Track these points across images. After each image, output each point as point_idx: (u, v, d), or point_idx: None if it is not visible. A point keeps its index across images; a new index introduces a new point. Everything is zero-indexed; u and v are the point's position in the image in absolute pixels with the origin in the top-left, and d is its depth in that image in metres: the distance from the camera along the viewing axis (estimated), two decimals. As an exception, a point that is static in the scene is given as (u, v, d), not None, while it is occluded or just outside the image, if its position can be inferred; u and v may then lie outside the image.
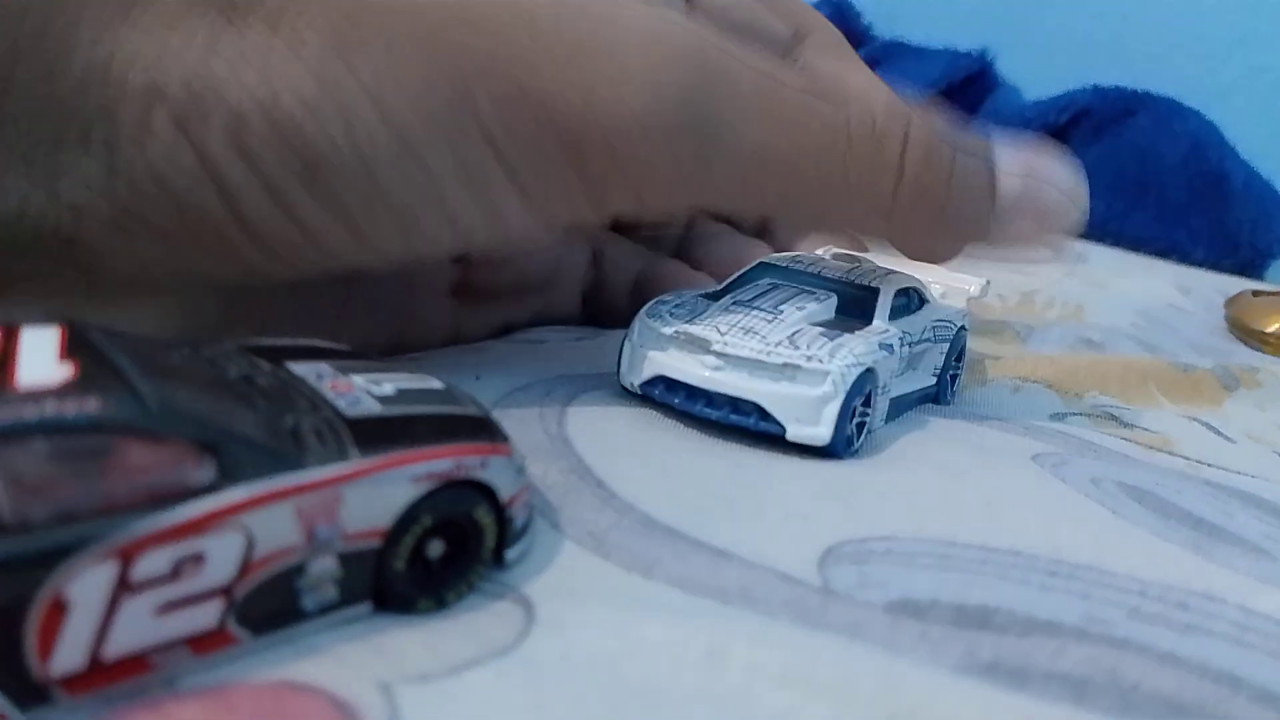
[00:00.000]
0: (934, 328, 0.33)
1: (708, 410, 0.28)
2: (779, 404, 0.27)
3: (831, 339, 0.28)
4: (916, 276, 0.34)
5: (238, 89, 0.23)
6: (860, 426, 0.29)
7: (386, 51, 0.24)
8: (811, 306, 0.30)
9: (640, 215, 0.27)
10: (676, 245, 0.39)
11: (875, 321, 0.31)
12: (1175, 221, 0.79)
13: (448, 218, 0.25)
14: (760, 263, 0.33)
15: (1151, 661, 0.21)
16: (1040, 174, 0.30)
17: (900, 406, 0.32)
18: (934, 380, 0.34)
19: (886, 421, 0.31)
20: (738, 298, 0.31)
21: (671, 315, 0.30)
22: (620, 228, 0.39)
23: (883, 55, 0.90)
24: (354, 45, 0.23)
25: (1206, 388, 0.42)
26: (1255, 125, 0.87)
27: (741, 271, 0.33)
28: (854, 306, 0.31)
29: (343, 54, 0.23)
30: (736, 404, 0.28)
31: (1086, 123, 0.82)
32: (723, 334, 0.28)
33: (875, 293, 0.32)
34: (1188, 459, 0.34)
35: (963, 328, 0.35)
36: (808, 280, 0.32)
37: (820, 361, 0.27)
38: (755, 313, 0.29)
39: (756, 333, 0.28)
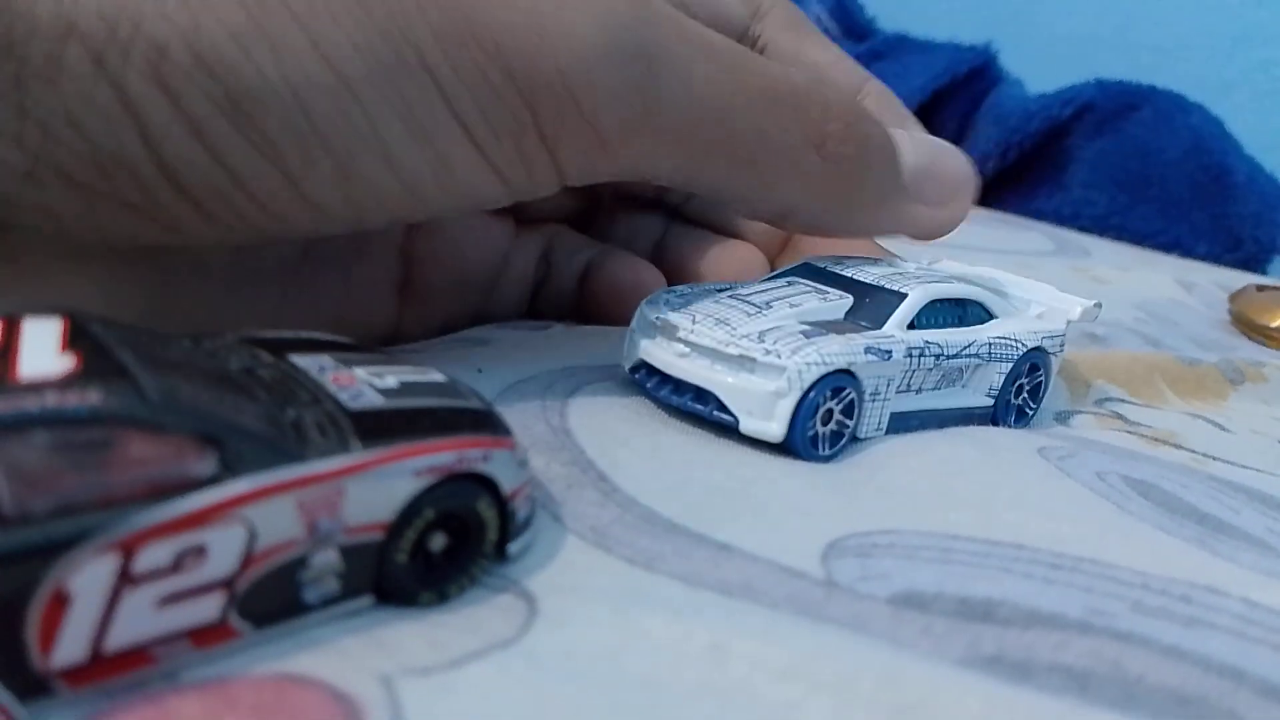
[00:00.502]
0: (991, 345, 0.31)
1: (673, 396, 0.28)
2: (733, 396, 0.27)
3: (809, 337, 0.28)
4: (1007, 290, 0.33)
5: (157, 17, 0.21)
6: (838, 431, 0.28)
7: None
8: (812, 304, 0.30)
9: (591, 174, 0.26)
10: (653, 248, 0.38)
11: (886, 326, 0.29)
12: (1178, 216, 0.79)
13: (391, 165, 0.24)
14: (805, 261, 0.33)
15: (1155, 655, 0.21)
16: (936, 150, 0.32)
17: (925, 421, 0.31)
18: (990, 401, 0.32)
19: (892, 432, 0.30)
20: (737, 291, 0.30)
21: (665, 304, 0.29)
22: (577, 222, 0.38)
23: (886, 49, 0.90)
24: None
25: (1211, 382, 0.42)
26: (1259, 120, 0.87)
27: (782, 269, 0.33)
28: (872, 309, 0.30)
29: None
30: (699, 392, 0.28)
31: (1090, 117, 0.81)
32: (694, 323, 0.28)
33: (901, 298, 0.30)
34: (1193, 452, 0.34)
35: (1037, 349, 0.33)
36: (834, 280, 0.31)
37: (778, 356, 0.27)
38: (741, 305, 0.29)
39: (728, 324, 0.28)
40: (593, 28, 0.24)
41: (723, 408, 0.27)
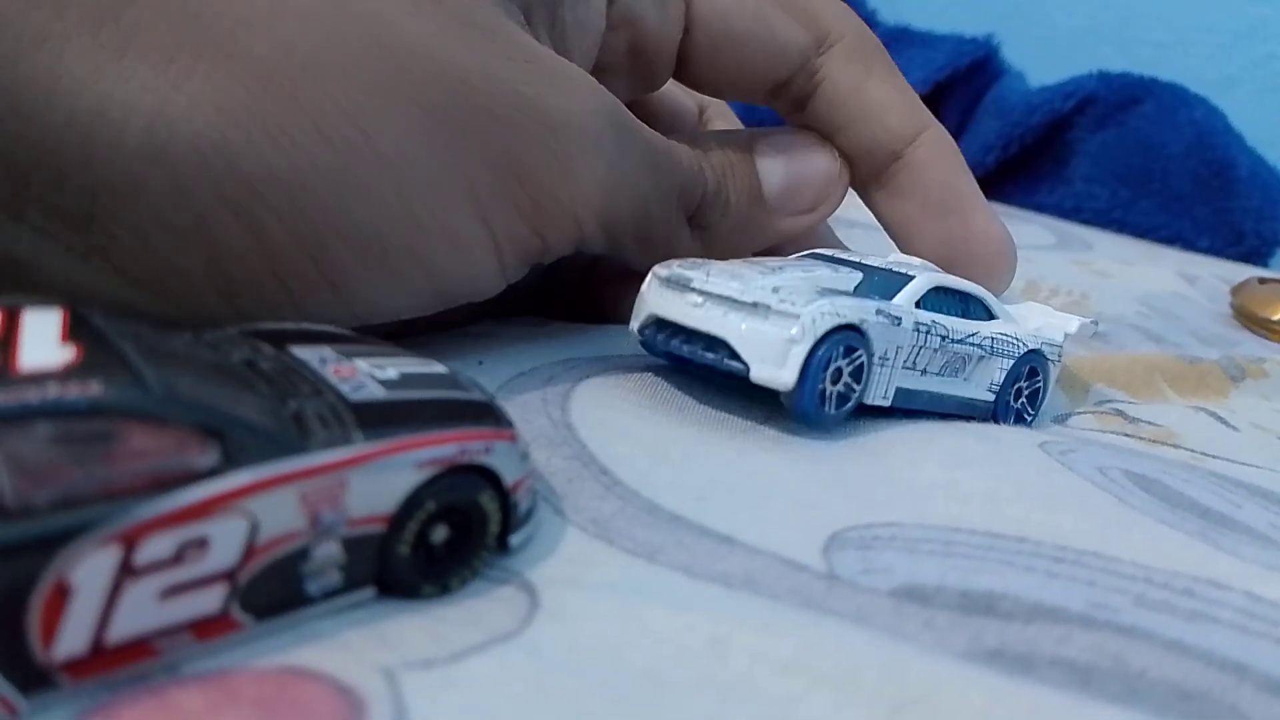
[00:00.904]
0: (993, 339, 0.32)
1: (683, 347, 0.28)
2: (746, 342, 0.27)
3: (821, 294, 0.28)
4: (1006, 307, 0.34)
5: (254, 160, 0.22)
6: (845, 393, 0.28)
7: (403, 122, 0.24)
8: (823, 273, 0.30)
9: (567, 253, 0.29)
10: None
11: (895, 299, 0.30)
12: (1180, 210, 0.79)
13: (431, 279, 0.26)
14: (812, 251, 0.33)
15: (1157, 649, 0.21)
16: (799, 161, 0.34)
17: (926, 403, 0.31)
18: (991, 396, 0.32)
19: (901, 409, 0.30)
20: (752, 260, 0.31)
21: (679, 265, 0.29)
22: None
23: (888, 42, 0.89)
24: (370, 116, 0.24)
25: (1213, 379, 0.42)
26: (1261, 114, 0.87)
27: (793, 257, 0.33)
28: (880, 286, 0.30)
29: (360, 126, 0.23)
30: (710, 342, 0.28)
31: (1092, 110, 0.81)
32: (708, 276, 0.28)
33: (908, 279, 0.31)
34: (1192, 452, 0.34)
35: (1036, 351, 0.33)
36: (843, 263, 0.31)
37: (792, 304, 0.27)
38: (754, 266, 0.29)
39: (742, 277, 0.28)
40: (598, 162, 0.27)
41: (734, 355, 0.27)
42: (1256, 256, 0.78)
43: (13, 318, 0.17)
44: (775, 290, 0.27)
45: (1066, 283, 0.57)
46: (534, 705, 0.17)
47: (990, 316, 0.33)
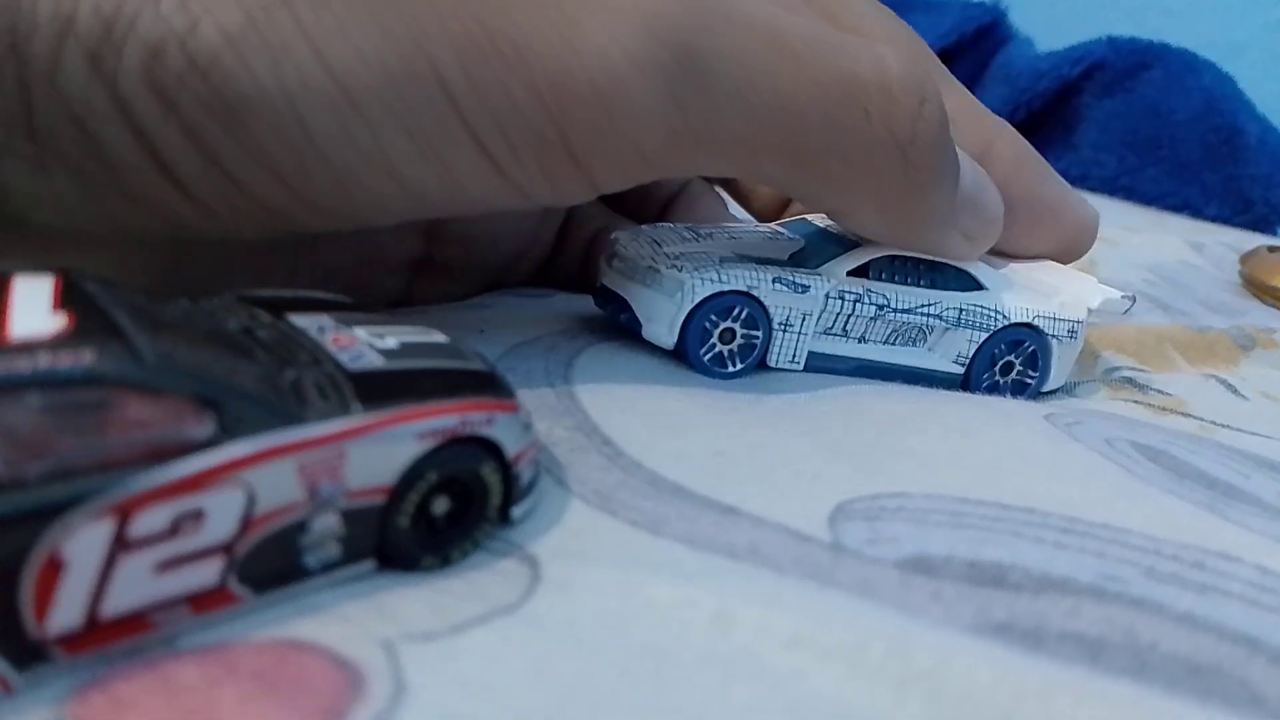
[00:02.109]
0: (961, 310, 0.31)
1: (608, 308, 0.30)
2: (639, 303, 0.29)
3: (721, 262, 0.29)
4: (1033, 274, 0.33)
5: (153, 18, 0.20)
6: (741, 350, 0.29)
7: None
8: (754, 241, 0.31)
9: (629, 183, 0.25)
10: (664, 205, 0.37)
11: (821, 267, 0.30)
12: (1188, 178, 0.79)
13: (394, 177, 0.23)
14: (802, 216, 0.33)
15: (1168, 622, 0.21)
16: (982, 182, 0.30)
17: (850, 367, 0.31)
18: (957, 368, 0.32)
19: (810, 368, 0.30)
20: (699, 226, 0.32)
21: (631, 234, 0.31)
22: None
23: (894, 7, 0.89)
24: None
25: (1222, 349, 0.41)
26: (1271, 80, 0.86)
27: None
28: (817, 255, 0.31)
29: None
30: (623, 303, 0.30)
31: (1100, 76, 0.80)
32: (631, 242, 0.30)
33: (851, 246, 0.30)
34: (1201, 420, 0.34)
35: (1026, 325, 0.32)
36: (805, 229, 0.32)
37: (678, 270, 0.28)
38: (685, 233, 0.31)
39: (659, 244, 0.30)
40: (633, 35, 0.22)
41: (634, 317, 0.29)
42: (1265, 224, 0.77)
43: (2, 285, 0.17)
44: (676, 258, 0.29)
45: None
46: (535, 678, 0.17)
47: (976, 287, 0.32)
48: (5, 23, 0.20)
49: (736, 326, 0.29)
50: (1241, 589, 0.23)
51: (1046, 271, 0.34)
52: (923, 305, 0.31)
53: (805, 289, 0.29)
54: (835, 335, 0.31)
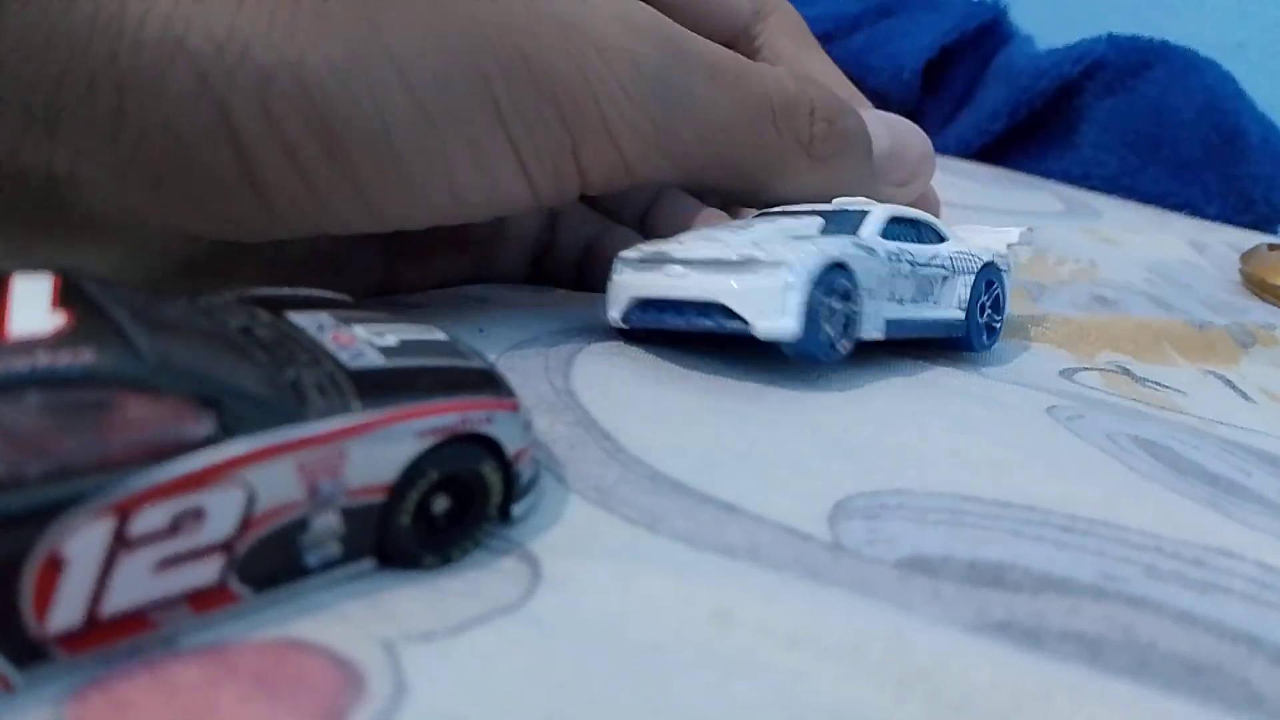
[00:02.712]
0: (951, 257, 0.32)
1: (677, 320, 0.28)
2: (741, 300, 0.27)
3: (797, 239, 0.28)
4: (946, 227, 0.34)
5: (265, 46, 0.23)
6: (842, 331, 0.28)
7: (408, 17, 0.24)
8: (788, 223, 0.30)
9: (608, 188, 0.28)
10: (641, 216, 0.38)
11: (859, 232, 0.30)
12: (1189, 178, 0.79)
13: (452, 187, 0.26)
14: (761, 212, 0.33)
15: (1168, 620, 0.21)
16: (900, 131, 0.35)
17: (912, 329, 0.31)
18: (960, 314, 0.32)
19: (888, 337, 0.30)
20: (720, 224, 0.32)
21: (645, 246, 0.30)
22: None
23: (895, 5, 0.89)
24: (376, 9, 0.24)
25: (1222, 346, 0.41)
26: (1272, 79, 0.86)
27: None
28: (842, 224, 0.30)
29: (367, 17, 0.24)
30: (703, 309, 0.27)
31: (1101, 75, 0.80)
32: (683, 244, 0.28)
33: (865, 214, 0.31)
34: (1200, 418, 0.34)
35: (991, 264, 0.34)
36: (800, 213, 0.32)
37: (780, 255, 0.27)
38: (722, 229, 0.30)
39: (719, 239, 0.28)
40: (623, 66, 0.27)
41: (731, 315, 0.27)
42: (1266, 224, 0.77)
43: (1, 284, 0.17)
44: (756, 244, 0.27)
45: (1074, 250, 0.57)
46: (535, 678, 0.17)
47: (941, 239, 0.33)
48: (110, 35, 0.22)
49: (836, 303, 0.27)
50: (1242, 586, 0.23)
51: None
52: (933, 257, 0.31)
53: (873, 252, 0.29)
54: (891, 300, 0.30)
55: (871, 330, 0.29)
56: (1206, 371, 0.38)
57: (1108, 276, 0.52)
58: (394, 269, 0.34)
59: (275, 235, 0.25)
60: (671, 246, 0.28)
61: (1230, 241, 0.67)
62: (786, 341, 0.27)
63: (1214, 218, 0.77)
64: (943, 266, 0.32)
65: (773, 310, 0.26)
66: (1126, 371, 0.37)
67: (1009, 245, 0.35)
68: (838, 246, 0.28)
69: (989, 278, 0.34)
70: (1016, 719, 0.18)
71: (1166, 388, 0.36)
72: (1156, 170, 0.79)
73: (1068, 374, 0.35)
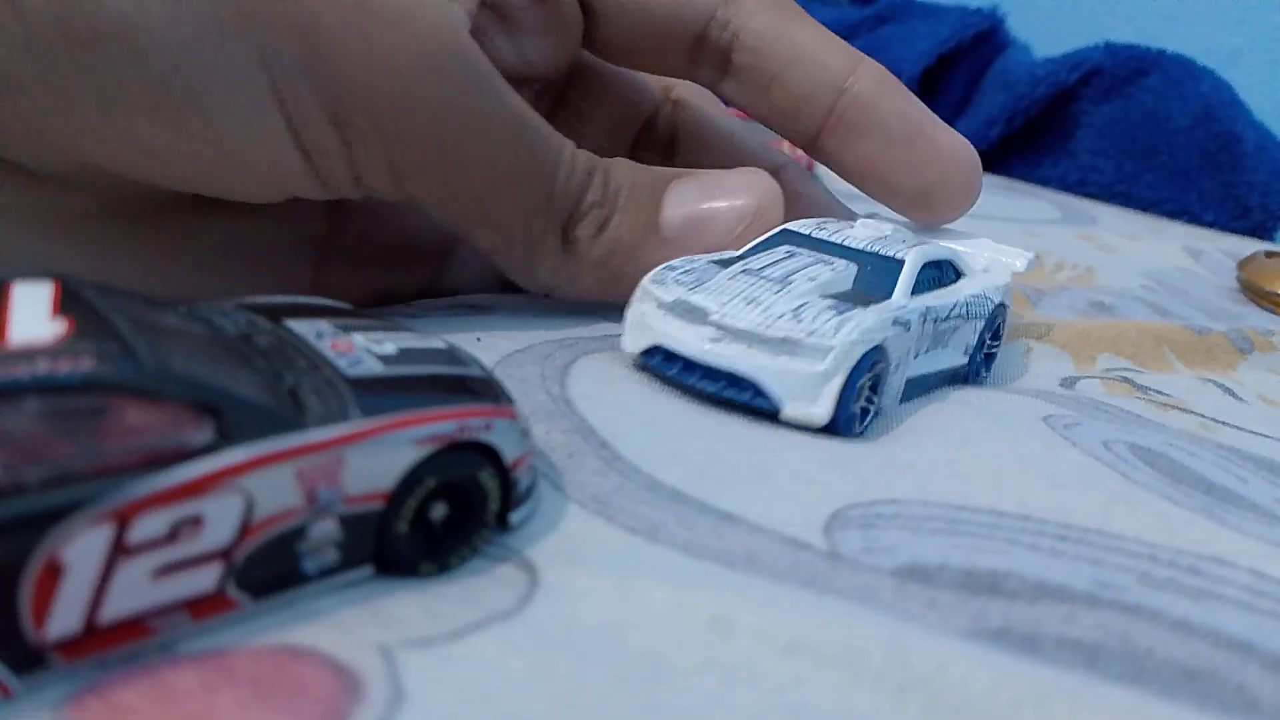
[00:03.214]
0: (968, 303, 0.31)
1: (704, 383, 0.27)
2: (776, 380, 0.26)
3: (840, 312, 0.27)
4: (954, 248, 0.33)
5: None
6: (867, 407, 0.27)
7: None
8: (826, 276, 0.29)
9: (386, 192, 0.28)
10: None
11: (895, 295, 0.29)
12: (1186, 184, 0.79)
13: (220, 138, 0.25)
14: (783, 229, 0.32)
15: (1164, 628, 0.21)
16: (710, 197, 0.32)
17: (921, 386, 0.31)
18: (965, 359, 0.32)
19: (903, 401, 0.30)
20: (748, 266, 0.29)
21: (676, 282, 0.28)
22: None
23: (891, 13, 0.89)
24: None
25: (1220, 351, 0.41)
26: (1269, 87, 0.86)
27: (763, 238, 0.31)
28: (875, 278, 0.29)
29: None
30: (733, 378, 0.27)
31: (1098, 82, 0.81)
32: (723, 304, 0.27)
33: (899, 265, 0.30)
34: (1202, 417, 0.34)
35: (1002, 304, 0.33)
36: (829, 248, 0.30)
37: (822, 336, 0.26)
38: (762, 282, 0.28)
39: (759, 303, 0.27)
40: (411, 61, 0.26)
41: (761, 393, 0.26)
42: (1262, 230, 0.77)
43: (2, 291, 0.17)
44: (798, 316, 0.26)
45: (1071, 257, 0.57)
46: (533, 684, 0.17)
47: (958, 275, 0.32)
48: None
49: (867, 382, 0.27)
50: (1237, 594, 0.23)
51: (954, 239, 0.35)
52: (953, 307, 0.31)
53: (909, 325, 0.28)
54: (912, 359, 0.30)
55: (891, 402, 0.29)
56: (1206, 380, 0.39)
57: (1105, 283, 0.52)
58: (323, 276, 0.32)
59: (31, 158, 0.25)
60: (710, 304, 0.27)
61: (1226, 248, 0.67)
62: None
63: (1210, 224, 0.78)
64: (960, 315, 0.31)
65: (806, 395, 0.26)
66: (1127, 380, 0.37)
67: (1013, 275, 0.34)
68: (879, 325, 0.27)
69: (999, 318, 0.33)
70: (1013, 726, 0.18)
71: (1168, 396, 0.36)
72: (1153, 177, 0.79)
73: (1068, 382, 0.35)
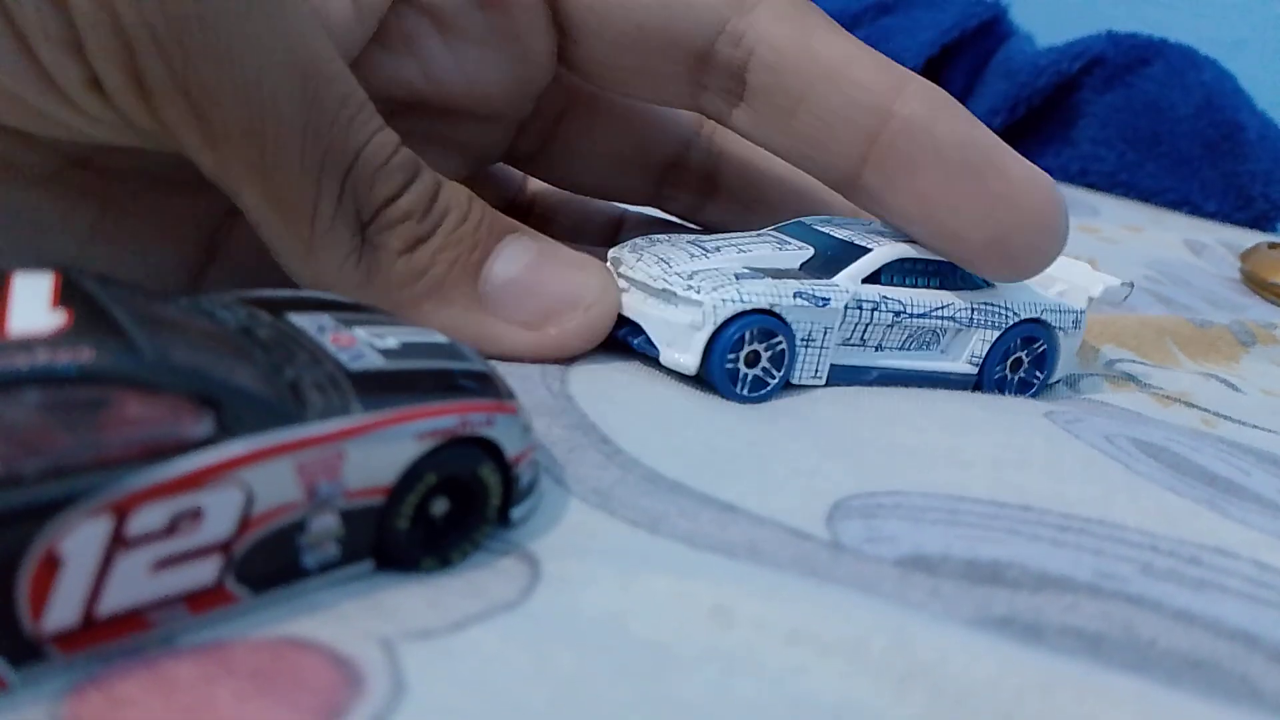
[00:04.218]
0: (972, 310, 0.30)
1: (617, 332, 0.29)
2: (656, 327, 0.28)
3: (738, 279, 0.28)
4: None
5: None
6: (763, 375, 0.28)
7: None
8: (763, 252, 0.30)
9: (138, 113, 0.23)
10: (608, 239, 0.37)
11: (836, 277, 0.29)
12: (1188, 174, 0.79)
13: None
14: (798, 220, 0.32)
15: (1166, 618, 0.21)
16: (549, 265, 0.28)
17: (874, 376, 0.30)
18: (971, 368, 0.31)
19: (831, 382, 0.29)
20: (701, 239, 0.30)
21: (629, 246, 0.30)
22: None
23: (894, 2, 0.89)
24: None
25: (1223, 344, 0.41)
26: (1271, 76, 0.86)
27: (774, 225, 0.32)
28: (829, 264, 0.29)
29: None
30: (634, 327, 0.29)
31: (1100, 71, 0.80)
32: (637, 260, 0.29)
33: (864, 252, 0.29)
34: (1205, 411, 0.34)
35: (1036, 321, 0.32)
36: (807, 234, 0.31)
37: (696, 292, 0.27)
38: (691, 248, 0.29)
39: (668, 262, 0.28)
40: None
41: (648, 340, 0.28)
42: (1265, 220, 0.77)
43: (2, 282, 0.17)
44: (691, 277, 0.28)
45: (1074, 248, 0.57)
46: (535, 675, 0.17)
47: (981, 284, 0.31)
48: None
49: (760, 347, 0.28)
50: (1239, 584, 0.23)
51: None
52: (936, 308, 0.30)
53: (825, 301, 0.28)
54: (854, 345, 0.30)
55: (806, 377, 0.29)
56: (1209, 375, 0.38)
57: (1109, 273, 0.52)
58: (208, 271, 0.29)
59: None
60: (629, 258, 0.29)
61: (1228, 240, 0.67)
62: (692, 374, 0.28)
63: (1212, 214, 0.77)
64: (952, 319, 0.30)
65: (678, 344, 0.28)
66: (1131, 378, 0.37)
67: (1090, 299, 0.33)
68: (771, 293, 0.27)
69: (1029, 334, 0.32)
70: (1019, 714, 0.18)
71: (1169, 390, 0.36)
72: (1155, 166, 0.79)
73: (1071, 380, 0.35)
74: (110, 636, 0.16)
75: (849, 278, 0.29)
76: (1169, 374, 0.38)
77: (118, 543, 0.15)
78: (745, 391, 0.28)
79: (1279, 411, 0.36)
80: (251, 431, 0.17)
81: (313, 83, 0.24)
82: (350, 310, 0.22)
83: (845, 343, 0.29)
